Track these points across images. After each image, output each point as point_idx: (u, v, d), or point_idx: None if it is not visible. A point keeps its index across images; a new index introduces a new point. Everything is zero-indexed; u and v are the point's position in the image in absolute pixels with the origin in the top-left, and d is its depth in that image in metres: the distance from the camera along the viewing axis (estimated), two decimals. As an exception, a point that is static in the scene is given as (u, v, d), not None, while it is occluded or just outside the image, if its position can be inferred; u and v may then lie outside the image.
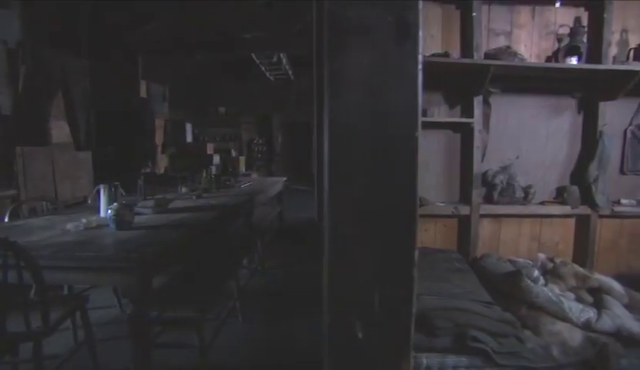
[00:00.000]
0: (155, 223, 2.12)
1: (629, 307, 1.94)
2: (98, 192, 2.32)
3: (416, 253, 0.53)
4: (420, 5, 0.51)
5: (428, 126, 2.48)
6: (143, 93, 6.00)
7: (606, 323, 1.73)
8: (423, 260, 2.15)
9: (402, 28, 0.51)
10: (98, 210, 2.29)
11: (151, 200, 2.61)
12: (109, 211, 1.95)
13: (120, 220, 1.93)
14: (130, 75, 5.41)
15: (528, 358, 1.65)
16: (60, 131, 3.72)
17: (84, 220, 2.01)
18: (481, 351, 1.61)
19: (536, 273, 2.00)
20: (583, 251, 2.68)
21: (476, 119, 2.42)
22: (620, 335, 1.71)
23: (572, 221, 2.73)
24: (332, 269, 0.54)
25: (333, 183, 0.52)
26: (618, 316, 1.75)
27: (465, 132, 2.52)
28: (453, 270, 2.03)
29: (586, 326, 1.75)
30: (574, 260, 2.72)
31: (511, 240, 2.68)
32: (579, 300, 1.95)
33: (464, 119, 2.42)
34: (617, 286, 1.97)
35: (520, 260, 2.33)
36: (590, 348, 1.67)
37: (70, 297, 2.10)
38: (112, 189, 2.26)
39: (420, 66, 0.51)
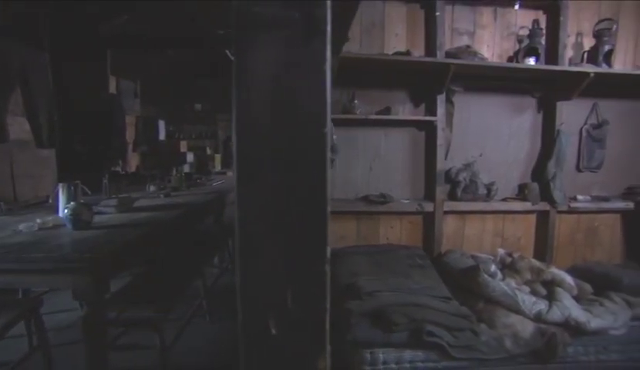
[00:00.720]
0: (116, 223, 2.06)
1: (578, 297, 2.03)
2: (57, 191, 2.24)
3: (328, 249, 0.53)
4: (329, 3, 0.51)
5: (392, 123, 2.52)
6: (112, 89, 5.82)
7: (555, 314, 1.80)
8: (386, 257, 2.19)
9: (311, 24, 0.51)
10: (56, 210, 2.21)
11: (115, 199, 2.54)
12: (65, 210, 1.89)
13: (77, 219, 1.87)
14: (99, 69, 5.24)
15: (482, 350, 1.71)
16: (19, 128, 3.56)
17: (39, 220, 1.94)
18: (437, 345, 1.65)
19: (493, 268, 2.07)
20: (543, 246, 2.78)
21: (440, 118, 2.47)
22: (568, 325, 1.78)
23: (533, 217, 2.82)
24: (244, 267, 0.54)
25: (241, 180, 0.52)
26: (566, 307, 1.83)
27: (429, 131, 2.56)
28: (415, 266, 2.07)
29: (537, 317, 1.81)
30: (535, 255, 2.83)
31: (475, 236, 2.75)
32: (534, 293, 2.02)
33: (427, 118, 2.47)
34: (568, 278, 2.05)
35: (483, 255, 2.39)
36: (539, 338, 1.74)
37: (23, 301, 2.03)
38: (72, 187, 2.19)
39: (328, 63, 0.51)
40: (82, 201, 2.04)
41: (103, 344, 1.65)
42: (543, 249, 2.78)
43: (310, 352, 0.55)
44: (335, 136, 2.10)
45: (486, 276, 1.93)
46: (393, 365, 1.65)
